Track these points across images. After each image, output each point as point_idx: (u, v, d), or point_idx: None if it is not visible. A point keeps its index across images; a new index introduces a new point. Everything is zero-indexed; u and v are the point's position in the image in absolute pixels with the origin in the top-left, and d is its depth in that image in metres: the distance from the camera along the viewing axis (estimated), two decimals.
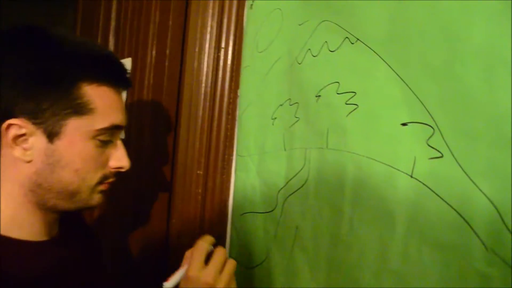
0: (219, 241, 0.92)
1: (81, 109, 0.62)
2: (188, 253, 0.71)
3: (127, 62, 1.19)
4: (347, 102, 0.62)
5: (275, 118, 0.81)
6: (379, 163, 0.56)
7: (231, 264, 0.68)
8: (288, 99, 0.78)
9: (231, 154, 0.96)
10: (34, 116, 0.61)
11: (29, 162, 0.63)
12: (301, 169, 0.72)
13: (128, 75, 0.70)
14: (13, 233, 0.65)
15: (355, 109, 0.61)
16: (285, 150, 0.78)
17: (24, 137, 0.62)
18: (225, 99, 0.95)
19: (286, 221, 0.76)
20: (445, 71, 0.49)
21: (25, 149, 0.62)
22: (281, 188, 0.78)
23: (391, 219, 0.53)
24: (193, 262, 0.67)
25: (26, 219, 0.66)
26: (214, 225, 0.95)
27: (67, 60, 0.62)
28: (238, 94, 0.95)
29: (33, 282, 0.64)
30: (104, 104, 0.64)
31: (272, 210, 0.80)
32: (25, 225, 0.66)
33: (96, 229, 0.95)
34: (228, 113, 0.95)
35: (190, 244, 0.92)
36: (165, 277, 0.68)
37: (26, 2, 2.97)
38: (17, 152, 0.62)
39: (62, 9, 3.05)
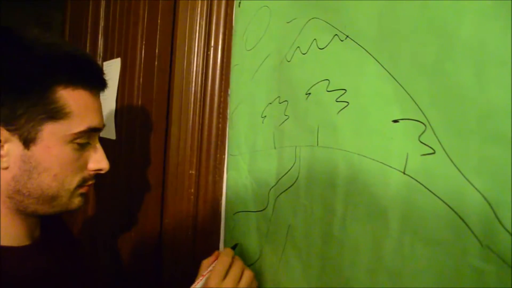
0: (213, 240, 0.92)
1: (56, 113, 0.62)
2: (205, 262, 0.75)
3: (116, 62, 1.18)
4: (338, 100, 0.62)
5: (265, 116, 0.80)
6: (371, 160, 0.56)
7: (248, 276, 0.73)
8: (277, 97, 0.77)
9: (223, 153, 0.95)
10: (9, 123, 0.60)
11: (5, 168, 0.62)
12: (292, 167, 0.72)
13: (104, 76, 0.69)
14: None
15: (345, 106, 0.60)
16: (275, 148, 0.77)
17: None
18: (216, 98, 0.94)
19: (278, 220, 0.76)
20: (436, 68, 0.49)
21: (0, 156, 0.61)
22: (272, 187, 0.77)
23: (384, 216, 0.53)
24: (214, 274, 0.71)
25: (7, 225, 0.65)
26: (207, 225, 0.95)
27: (40, 64, 0.61)
28: (229, 93, 0.94)
29: (20, 285, 0.63)
30: (80, 107, 0.64)
31: (264, 209, 0.80)
32: (6, 231, 0.65)
33: (87, 230, 0.94)
34: (219, 112, 0.94)
35: (183, 243, 0.92)
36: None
37: (12, 3, 2.94)
38: None
39: (49, 9, 3.02)
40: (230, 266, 0.73)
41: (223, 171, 0.95)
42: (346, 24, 0.62)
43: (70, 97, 0.63)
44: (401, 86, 0.53)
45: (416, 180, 0.50)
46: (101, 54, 1.33)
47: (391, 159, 0.53)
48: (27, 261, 0.66)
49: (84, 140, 0.66)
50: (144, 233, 1.05)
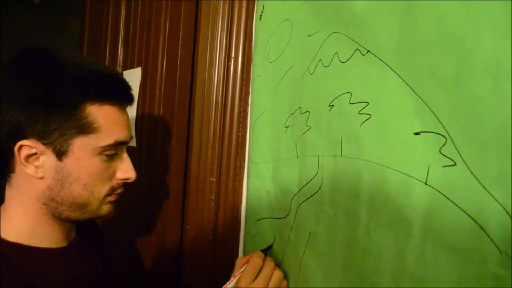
0: (233, 247, 0.95)
1: (86, 128, 0.66)
2: (238, 261, 0.78)
3: (137, 72, 1.21)
4: (360, 112, 0.64)
5: (288, 126, 0.83)
6: (393, 170, 0.58)
7: (277, 276, 0.76)
8: (299, 108, 0.80)
9: (242, 161, 0.98)
10: (43, 137, 0.65)
11: (41, 178, 0.67)
12: (315, 176, 0.74)
13: (131, 91, 0.73)
14: (35, 243, 0.68)
15: (368, 118, 0.63)
16: (297, 157, 0.80)
17: (35, 156, 0.66)
18: (236, 108, 0.97)
19: (300, 227, 0.78)
20: (455, 82, 0.51)
21: (36, 167, 0.66)
22: (295, 194, 0.80)
23: (407, 224, 0.56)
24: (245, 275, 0.74)
25: (45, 229, 0.70)
26: (227, 231, 0.97)
27: (70, 83, 0.65)
28: (249, 102, 0.97)
29: (58, 284, 0.67)
30: (108, 122, 0.68)
31: (286, 216, 0.82)
32: (44, 234, 0.70)
33: (107, 234, 0.97)
34: (239, 122, 0.97)
35: (204, 249, 0.95)
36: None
37: (26, 11, 3.01)
38: (30, 170, 0.66)
39: (63, 17, 3.08)
40: (261, 267, 0.76)
41: (242, 179, 0.98)
42: (367, 39, 0.65)
43: (99, 113, 0.67)
44: (421, 99, 0.55)
45: (438, 191, 0.53)
46: (121, 63, 1.36)
47: (413, 170, 0.56)
48: (65, 261, 0.71)
49: (112, 151, 0.70)
50: (165, 239, 1.07)
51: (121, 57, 1.35)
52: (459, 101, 0.51)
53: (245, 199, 0.96)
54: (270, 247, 0.84)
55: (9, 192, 0.70)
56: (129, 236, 1.18)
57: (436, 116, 0.53)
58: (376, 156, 0.61)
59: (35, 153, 0.66)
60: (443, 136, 0.52)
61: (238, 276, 0.76)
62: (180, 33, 1.02)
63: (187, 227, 1.01)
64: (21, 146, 0.65)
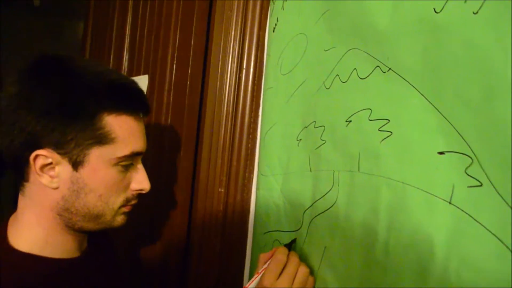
0: (239, 258, 0.94)
1: (102, 139, 0.66)
2: (262, 256, 0.77)
3: (144, 79, 1.21)
4: (381, 129, 0.64)
5: (300, 139, 0.83)
6: (415, 188, 0.58)
7: (303, 272, 0.74)
8: (313, 122, 0.80)
9: (251, 173, 0.98)
10: (60, 147, 0.64)
11: (56, 188, 0.66)
12: (329, 190, 0.75)
13: (147, 102, 0.73)
14: (47, 253, 0.67)
15: (389, 136, 0.63)
16: (310, 171, 0.80)
17: (50, 166, 0.65)
18: (246, 119, 0.97)
19: (313, 241, 0.78)
20: (482, 103, 0.52)
21: (51, 177, 0.65)
22: (307, 208, 0.80)
23: (429, 243, 0.56)
24: (268, 273, 0.72)
25: (58, 239, 0.69)
26: (235, 243, 0.97)
27: (87, 93, 0.65)
28: (259, 114, 0.97)
29: None
30: (124, 132, 0.68)
31: (297, 229, 0.82)
32: (57, 245, 0.69)
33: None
34: (249, 133, 0.97)
35: (210, 260, 0.94)
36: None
37: (26, 14, 2.98)
38: (45, 180, 0.65)
39: (63, 20, 3.05)
40: (286, 264, 0.75)
41: (251, 190, 0.98)
42: (388, 56, 0.65)
43: (115, 123, 0.67)
44: (446, 119, 0.56)
45: (463, 210, 0.53)
46: (126, 70, 1.36)
47: (437, 189, 0.56)
48: (78, 272, 0.70)
49: (128, 162, 0.69)
50: (170, 249, 1.07)
51: (126, 63, 1.34)
52: (486, 122, 0.51)
53: (254, 211, 0.96)
54: (293, 241, 0.82)
55: (22, 202, 0.69)
56: (134, 245, 1.17)
57: (461, 137, 0.54)
58: (397, 174, 0.61)
59: (51, 163, 0.65)
60: (469, 156, 0.53)
61: (262, 273, 0.75)
62: (192, 42, 1.02)
63: (194, 237, 1.00)
64: (36, 155, 0.64)
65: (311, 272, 0.76)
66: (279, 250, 0.77)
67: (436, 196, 0.56)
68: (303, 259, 0.80)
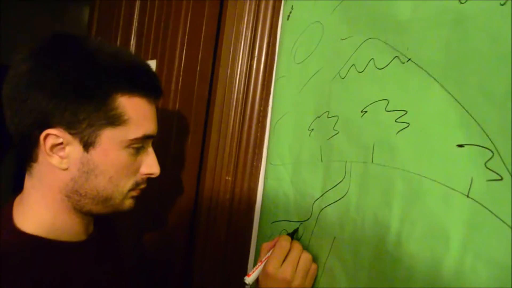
0: (245, 246, 0.94)
1: (115, 120, 0.65)
2: (265, 245, 0.77)
3: (152, 64, 1.19)
4: (397, 120, 0.64)
5: (312, 129, 0.82)
6: (432, 181, 0.58)
7: (306, 259, 0.74)
8: (326, 112, 0.79)
9: (259, 161, 0.97)
10: (71, 127, 0.63)
11: (65, 169, 0.65)
12: (341, 181, 0.74)
13: (160, 85, 0.72)
14: (54, 236, 0.67)
15: (406, 127, 0.62)
16: (322, 161, 0.79)
17: (61, 146, 0.64)
18: (256, 107, 0.96)
19: (322, 231, 0.77)
20: (505, 97, 0.51)
21: (61, 158, 0.64)
22: (317, 199, 0.79)
23: (445, 236, 0.55)
24: (272, 259, 0.72)
25: (65, 222, 0.68)
26: (240, 231, 0.96)
27: (102, 73, 0.64)
28: (270, 102, 0.96)
29: (76, 278, 0.66)
30: (138, 114, 0.67)
31: (306, 220, 0.82)
32: (64, 227, 0.68)
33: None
34: (258, 121, 0.96)
35: (215, 248, 0.94)
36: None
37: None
38: (54, 160, 0.64)
39: (68, 3, 3.02)
40: (289, 251, 0.75)
41: (258, 179, 0.97)
42: (408, 47, 0.64)
43: (129, 105, 0.66)
44: (468, 112, 0.55)
45: (481, 204, 0.52)
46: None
47: (454, 182, 0.55)
48: (84, 255, 0.69)
49: (139, 145, 0.69)
50: (174, 236, 1.06)
51: (133, 48, 1.33)
52: (509, 116, 0.50)
53: (261, 200, 0.96)
54: (296, 231, 0.82)
55: (29, 182, 0.68)
56: (138, 231, 1.16)
57: (483, 130, 0.53)
58: (413, 166, 0.61)
59: (61, 143, 0.64)
60: (490, 150, 0.52)
61: (265, 261, 0.75)
62: (203, 27, 1.01)
63: (200, 225, 0.99)
64: (47, 135, 0.63)
65: (314, 259, 0.76)
66: (282, 238, 0.77)
67: (453, 189, 0.55)
68: (311, 249, 0.80)
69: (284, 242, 0.75)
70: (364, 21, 0.73)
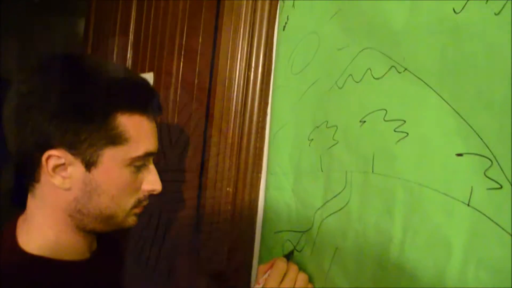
0: (247, 258, 0.94)
1: (116, 139, 0.65)
2: (261, 268, 0.78)
3: (149, 77, 1.20)
4: (396, 130, 0.64)
5: (312, 139, 0.83)
6: (432, 190, 0.58)
7: (302, 280, 0.77)
8: (325, 122, 0.80)
9: (260, 172, 0.98)
10: (73, 147, 0.63)
11: (68, 189, 0.65)
12: (342, 191, 0.74)
13: (159, 102, 0.72)
14: (58, 255, 0.67)
15: (405, 137, 0.63)
16: (322, 171, 0.80)
17: (63, 167, 0.64)
18: (255, 118, 0.97)
19: (324, 241, 0.78)
20: (503, 106, 0.51)
21: (64, 178, 0.65)
22: (318, 208, 0.80)
23: (447, 245, 0.56)
24: (270, 281, 0.73)
25: (69, 241, 0.68)
26: (242, 242, 0.96)
27: (101, 93, 0.64)
28: (268, 113, 0.97)
29: None
30: (138, 133, 0.67)
31: (308, 230, 0.82)
32: (68, 247, 0.68)
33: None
34: (257, 131, 0.97)
35: (217, 260, 0.94)
36: None
37: (25, 9, 2.95)
38: (57, 180, 0.64)
39: (63, 16, 3.02)
40: (285, 273, 0.76)
41: (259, 190, 0.98)
42: (404, 56, 0.65)
43: (129, 123, 0.66)
44: (465, 120, 0.55)
45: (481, 213, 0.53)
46: (130, 67, 1.35)
47: (455, 191, 0.56)
48: (88, 274, 0.69)
49: (141, 162, 0.69)
50: (176, 248, 1.06)
51: (130, 61, 1.33)
52: (506, 124, 0.51)
53: (263, 211, 0.96)
54: (291, 253, 0.83)
55: (32, 203, 0.68)
56: (140, 244, 1.16)
57: (481, 138, 0.53)
58: (414, 175, 0.61)
59: (63, 164, 0.64)
60: (489, 158, 0.52)
61: (263, 284, 0.75)
62: (200, 39, 1.02)
63: (203, 236, 0.99)
64: (49, 156, 0.63)
65: (310, 279, 0.79)
66: (279, 259, 0.79)
67: (454, 198, 0.56)
68: (313, 259, 0.80)
69: (281, 263, 0.77)
70: (360, 31, 0.73)
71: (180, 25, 1.09)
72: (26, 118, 0.62)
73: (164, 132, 1.12)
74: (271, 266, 0.78)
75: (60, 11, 2.91)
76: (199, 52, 1.02)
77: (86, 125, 0.63)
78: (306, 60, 0.86)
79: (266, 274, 0.77)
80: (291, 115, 0.89)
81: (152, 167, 0.72)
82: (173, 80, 1.10)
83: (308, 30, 0.86)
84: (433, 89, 0.60)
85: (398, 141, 0.64)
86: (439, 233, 0.57)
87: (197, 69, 1.02)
